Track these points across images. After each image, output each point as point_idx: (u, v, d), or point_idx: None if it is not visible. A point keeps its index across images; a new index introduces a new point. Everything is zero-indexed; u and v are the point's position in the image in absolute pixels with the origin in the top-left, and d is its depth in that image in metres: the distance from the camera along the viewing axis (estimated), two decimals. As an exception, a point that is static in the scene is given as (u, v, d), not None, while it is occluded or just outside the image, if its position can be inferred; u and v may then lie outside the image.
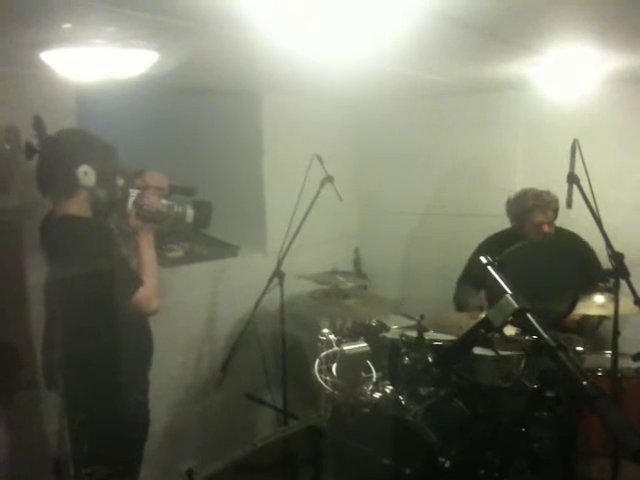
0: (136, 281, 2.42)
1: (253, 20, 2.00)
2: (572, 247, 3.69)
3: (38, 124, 2.45)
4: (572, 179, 2.80)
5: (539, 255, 3.57)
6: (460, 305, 3.85)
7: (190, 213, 2.63)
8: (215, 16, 1.97)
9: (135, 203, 2.48)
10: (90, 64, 2.24)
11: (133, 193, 2.50)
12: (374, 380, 2.71)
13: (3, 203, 2.70)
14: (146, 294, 2.43)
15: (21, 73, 2.69)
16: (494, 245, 3.73)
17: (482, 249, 3.82)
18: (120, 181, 2.53)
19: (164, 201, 2.56)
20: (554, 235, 3.67)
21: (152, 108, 4.16)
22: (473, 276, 3.68)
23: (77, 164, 2.38)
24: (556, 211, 3.62)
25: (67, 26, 1.96)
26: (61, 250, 2.41)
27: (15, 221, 2.75)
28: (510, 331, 2.74)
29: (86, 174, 2.39)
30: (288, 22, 2.03)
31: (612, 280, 2.90)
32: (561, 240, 3.70)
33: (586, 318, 3.44)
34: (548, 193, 3.63)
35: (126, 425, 2.54)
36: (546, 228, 3.61)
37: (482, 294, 3.56)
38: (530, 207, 3.63)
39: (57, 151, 2.43)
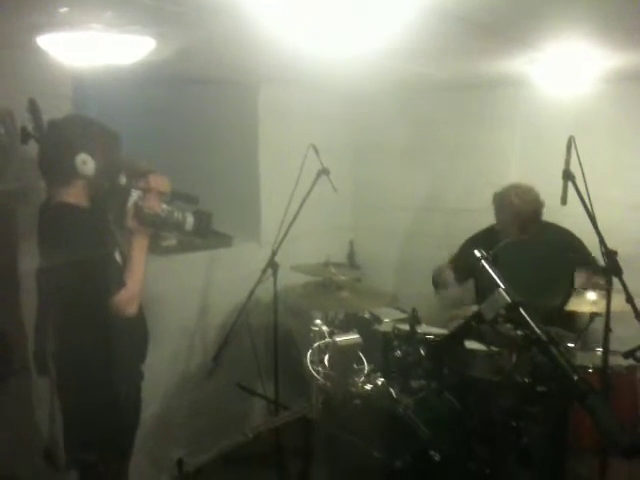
0: (118, 282, 2.39)
1: (252, 9, 1.99)
2: (562, 242, 3.69)
3: (33, 108, 2.42)
4: (567, 176, 2.80)
5: (529, 251, 3.59)
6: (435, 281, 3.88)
7: (190, 221, 2.59)
8: (214, 4, 1.96)
9: (135, 204, 2.45)
10: (87, 49, 2.23)
11: (134, 194, 2.47)
12: (366, 372, 2.71)
13: (-2, 187, 2.69)
14: (126, 297, 2.40)
15: (17, 57, 2.67)
16: (483, 241, 3.74)
17: (471, 243, 3.84)
18: (123, 180, 2.51)
19: (165, 206, 2.53)
20: (544, 231, 3.68)
21: (148, 96, 4.15)
22: (460, 267, 3.71)
23: (76, 152, 2.35)
24: (537, 211, 3.61)
25: (64, 10, 1.95)
26: (51, 237, 2.39)
27: (10, 206, 2.74)
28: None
29: (85, 163, 2.36)
30: (286, 12, 2.02)
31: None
32: (551, 236, 3.71)
33: (578, 315, 3.46)
34: (526, 194, 3.60)
35: (117, 413, 2.54)
36: (522, 235, 3.61)
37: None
38: (506, 217, 3.64)
39: (58, 137, 2.41)
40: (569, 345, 3.08)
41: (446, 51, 2.95)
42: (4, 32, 2.39)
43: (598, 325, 3.12)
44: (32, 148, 2.46)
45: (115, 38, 2.22)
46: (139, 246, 2.48)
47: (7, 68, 2.68)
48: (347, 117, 4.84)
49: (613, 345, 2.84)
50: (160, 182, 2.53)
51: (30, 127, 2.43)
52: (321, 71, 3.41)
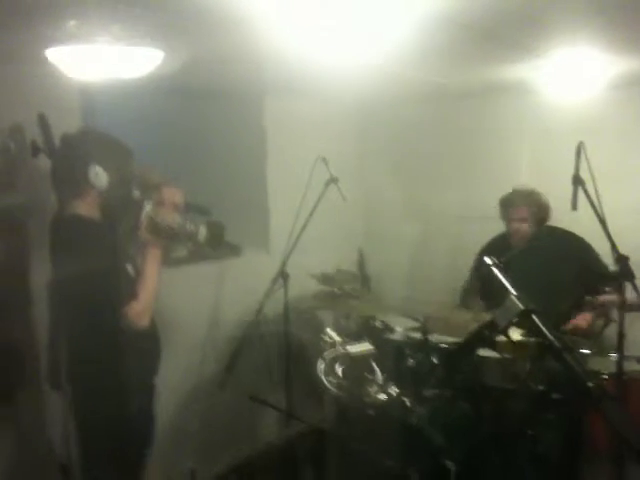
0: (129, 294, 2.39)
1: (258, 20, 1.99)
2: (571, 249, 3.67)
3: (42, 123, 2.44)
4: (577, 181, 2.79)
5: (540, 257, 3.57)
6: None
7: (202, 232, 2.60)
8: (219, 15, 1.96)
9: (149, 216, 2.46)
10: (95, 62, 2.23)
11: (148, 206, 2.49)
12: (379, 382, 2.70)
13: (8, 201, 2.70)
14: (138, 309, 2.40)
15: (26, 71, 2.69)
16: (495, 249, 3.73)
17: (485, 252, 3.81)
18: (136, 193, 2.52)
19: (178, 218, 2.54)
20: (554, 236, 3.66)
21: (156, 108, 4.15)
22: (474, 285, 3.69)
23: (89, 164, 2.37)
24: (536, 208, 3.59)
25: (72, 23, 1.96)
26: (63, 249, 2.40)
27: (21, 219, 2.75)
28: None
29: (98, 175, 2.38)
30: (291, 20, 2.02)
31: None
32: (561, 241, 3.69)
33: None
34: (524, 190, 3.60)
35: (130, 426, 2.53)
36: (515, 224, 3.60)
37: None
38: (503, 202, 3.64)
39: (71, 150, 2.43)
40: (584, 351, 3.05)
41: (452, 58, 2.95)
42: (13, 45, 2.40)
43: (612, 330, 3.10)
44: (42, 162, 2.47)
45: (123, 51, 2.22)
46: (152, 258, 2.49)
47: (15, 81, 2.70)
48: (355, 125, 4.84)
49: (628, 350, 2.82)
50: (173, 194, 2.54)
51: (40, 141, 2.44)
52: (326, 80, 3.41)
